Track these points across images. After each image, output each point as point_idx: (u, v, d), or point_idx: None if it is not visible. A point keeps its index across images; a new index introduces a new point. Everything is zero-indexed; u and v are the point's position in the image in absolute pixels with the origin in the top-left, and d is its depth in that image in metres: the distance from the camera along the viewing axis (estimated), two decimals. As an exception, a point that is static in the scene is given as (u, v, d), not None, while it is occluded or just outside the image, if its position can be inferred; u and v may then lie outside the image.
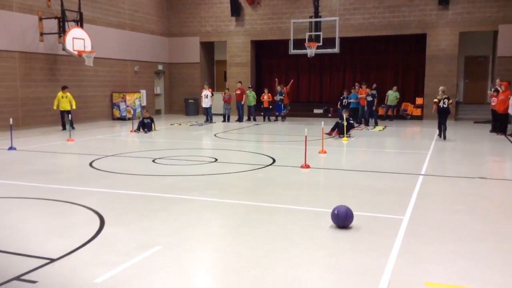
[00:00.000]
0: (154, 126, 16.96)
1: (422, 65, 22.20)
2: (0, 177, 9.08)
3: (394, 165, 10.29)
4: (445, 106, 14.44)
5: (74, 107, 16.98)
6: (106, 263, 4.59)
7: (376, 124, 19.22)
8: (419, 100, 22.29)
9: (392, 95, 21.12)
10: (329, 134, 14.85)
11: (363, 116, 19.61)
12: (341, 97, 21.13)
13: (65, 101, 16.78)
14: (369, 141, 14.67)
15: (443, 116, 14.52)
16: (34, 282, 4.15)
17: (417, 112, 22.12)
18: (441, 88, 14.91)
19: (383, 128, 18.14)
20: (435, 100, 14.67)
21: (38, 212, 6.63)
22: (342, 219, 5.70)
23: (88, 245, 5.13)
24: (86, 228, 5.69)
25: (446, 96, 14.52)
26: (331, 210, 6.16)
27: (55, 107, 16.78)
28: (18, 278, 4.21)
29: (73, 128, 16.58)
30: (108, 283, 4.18)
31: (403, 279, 4.30)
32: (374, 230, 5.71)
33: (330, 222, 5.99)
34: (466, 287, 4.16)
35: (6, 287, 4.06)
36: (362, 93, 19.43)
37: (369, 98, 19.15)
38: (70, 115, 16.61)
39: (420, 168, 9.68)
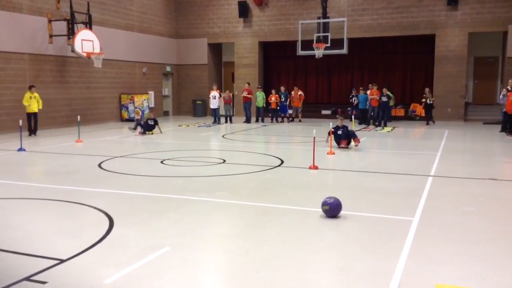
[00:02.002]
0: (159, 128, 16.54)
1: (430, 66, 22.08)
2: (10, 178, 9.14)
3: (403, 166, 10.23)
4: (431, 102, 19.67)
5: (40, 107, 15.70)
6: (115, 264, 4.60)
7: (384, 125, 19.13)
8: (428, 101, 22.14)
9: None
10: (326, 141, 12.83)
11: (372, 117, 19.54)
12: (351, 95, 21.12)
13: (34, 102, 15.46)
14: (377, 142, 14.60)
15: (429, 111, 19.78)
16: (44, 282, 4.17)
17: (426, 113, 21.99)
18: (426, 89, 20.02)
19: (392, 129, 18.05)
20: (423, 100, 19.87)
21: (48, 213, 6.66)
22: (334, 208, 6.15)
23: (97, 246, 5.14)
24: (95, 229, 5.71)
25: (431, 95, 19.89)
26: (340, 212, 6.15)
27: (26, 105, 15.34)
28: (28, 278, 4.23)
29: (34, 134, 15.48)
30: (117, 284, 4.18)
31: (413, 280, 4.27)
32: (383, 232, 5.68)
33: (339, 223, 5.98)
34: (478, 289, 4.12)
35: (16, 287, 4.07)
36: (373, 94, 19.36)
37: (384, 99, 19.11)
38: (35, 119, 15.48)
39: (430, 169, 9.61)
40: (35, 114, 15.46)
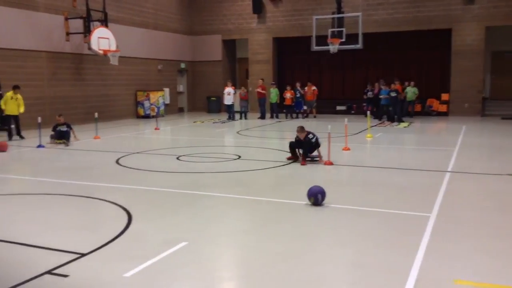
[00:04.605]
0: (74, 134, 13.46)
1: (447, 60, 21.81)
2: (30, 174, 9.32)
3: (420, 161, 10.15)
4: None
5: (22, 110, 14.06)
6: (134, 257, 4.68)
7: (400, 120, 18.96)
8: (444, 96, 21.89)
9: (410, 91, 20.78)
10: (291, 158, 10.15)
11: (395, 112, 19.25)
12: (366, 90, 20.97)
13: (13, 104, 13.83)
14: (393, 137, 14.51)
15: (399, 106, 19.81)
16: (65, 276, 4.26)
17: (443, 108, 21.74)
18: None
19: (408, 125, 17.90)
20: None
21: (68, 208, 6.78)
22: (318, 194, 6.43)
23: (116, 240, 5.23)
24: (114, 224, 5.80)
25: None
26: (356, 208, 6.16)
27: (3, 109, 13.86)
28: (50, 272, 4.33)
29: (21, 137, 14.06)
30: (136, 277, 4.26)
31: (431, 276, 4.25)
32: (400, 228, 5.66)
33: (355, 219, 6.00)
34: (496, 285, 4.10)
35: (39, 281, 4.17)
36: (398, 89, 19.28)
37: (393, 94, 18.94)
38: (16, 121, 14.07)
39: (447, 165, 9.53)
40: (15, 116, 13.94)
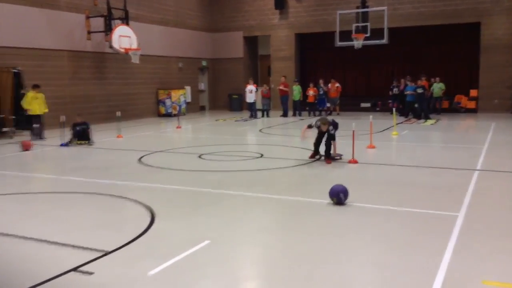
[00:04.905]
0: (91, 135, 13.04)
1: (475, 55, 21.28)
2: (54, 173, 9.46)
3: (447, 160, 9.92)
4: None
5: (46, 110, 14.03)
6: (158, 256, 4.68)
7: (426, 117, 18.60)
8: (473, 92, 21.38)
9: (436, 87, 20.35)
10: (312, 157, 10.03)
11: (422, 109, 18.90)
12: (391, 86, 20.67)
13: (36, 103, 13.72)
14: (420, 135, 14.24)
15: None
16: (90, 273, 4.28)
17: (472, 104, 21.21)
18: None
19: (435, 122, 17.55)
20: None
21: (93, 206, 6.85)
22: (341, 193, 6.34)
23: (140, 238, 5.24)
24: (137, 222, 5.82)
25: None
26: (381, 207, 6.04)
27: (28, 109, 13.69)
28: (75, 269, 4.36)
29: (41, 138, 13.80)
30: (160, 275, 4.26)
31: (459, 277, 4.14)
32: (427, 227, 5.52)
33: (380, 219, 5.89)
34: (530, 288, 3.95)
35: (65, 278, 4.21)
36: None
37: (420, 91, 18.60)
38: (39, 121, 13.89)
39: (475, 163, 9.29)
40: (38, 117, 13.84)
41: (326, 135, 9.73)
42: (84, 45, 18.06)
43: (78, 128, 13.00)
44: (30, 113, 13.78)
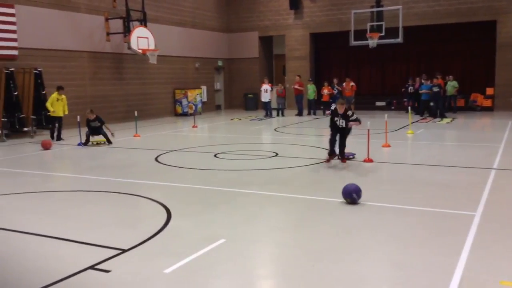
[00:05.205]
0: (108, 128, 12.97)
1: (492, 53, 20.98)
2: (72, 172, 9.62)
3: (464, 158, 9.82)
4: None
5: (66, 112, 14.10)
6: (174, 254, 4.73)
7: (442, 116, 18.41)
8: (489, 91, 21.09)
9: (449, 85, 20.08)
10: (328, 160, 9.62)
11: (438, 107, 18.68)
12: (406, 85, 20.52)
13: (59, 105, 13.81)
14: (436, 134, 14.11)
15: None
16: (107, 271, 4.36)
17: (488, 103, 20.94)
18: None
19: (451, 121, 17.37)
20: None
21: (109, 204, 6.95)
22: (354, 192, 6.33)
23: (156, 236, 5.30)
24: (154, 220, 5.89)
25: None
26: (396, 206, 6.02)
27: (51, 110, 13.74)
28: (92, 267, 4.44)
29: (60, 138, 13.89)
30: (176, 273, 4.31)
31: (475, 277, 4.10)
32: (443, 227, 5.49)
33: (396, 218, 5.86)
34: (548, 288, 3.90)
35: (82, 275, 4.29)
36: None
37: (436, 89, 18.40)
38: (59, 123, 13.95)
39: (492, 162, 9.17)
40: (59, 118, 13.92)
41: (341, 130, 9.35)
42: (103, 46, 18.32)
43: (91, 125, 12.90)
44: (53, 114, 13.88)
